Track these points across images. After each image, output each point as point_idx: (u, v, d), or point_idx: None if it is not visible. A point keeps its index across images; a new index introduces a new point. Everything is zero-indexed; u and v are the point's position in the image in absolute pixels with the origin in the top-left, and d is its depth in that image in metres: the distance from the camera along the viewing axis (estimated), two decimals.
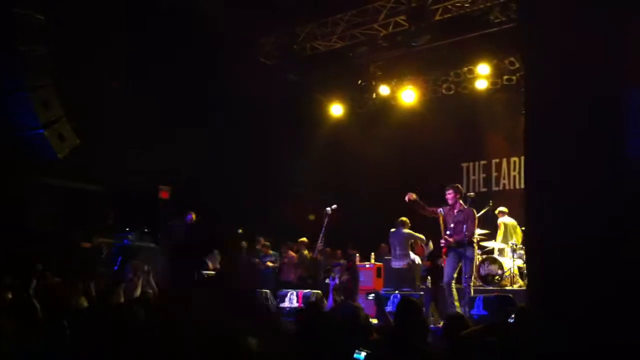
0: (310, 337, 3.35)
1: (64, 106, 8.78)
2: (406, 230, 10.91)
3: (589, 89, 2.86)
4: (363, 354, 3.39)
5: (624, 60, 2.77)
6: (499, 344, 3.62)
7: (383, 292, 10.61)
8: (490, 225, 11.44)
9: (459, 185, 9.60)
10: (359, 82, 14.23)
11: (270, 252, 13.21)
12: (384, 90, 14.06)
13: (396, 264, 10.94)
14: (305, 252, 12.63)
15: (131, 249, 11.67)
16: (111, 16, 10.57)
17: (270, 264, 12.97)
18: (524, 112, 3.21)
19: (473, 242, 9.18)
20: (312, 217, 12.44)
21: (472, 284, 9.13)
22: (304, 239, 12.74)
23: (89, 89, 10.58)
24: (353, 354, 3.17)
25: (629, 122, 2.70)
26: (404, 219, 10.94)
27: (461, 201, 9.21)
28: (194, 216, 11.53)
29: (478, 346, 3.35)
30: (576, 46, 2.92)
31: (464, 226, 8.88)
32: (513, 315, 5.57)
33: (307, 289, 11.38)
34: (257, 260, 13.02)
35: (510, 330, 4.23)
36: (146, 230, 12.67)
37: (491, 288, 10.29)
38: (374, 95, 14.37)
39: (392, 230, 11.02)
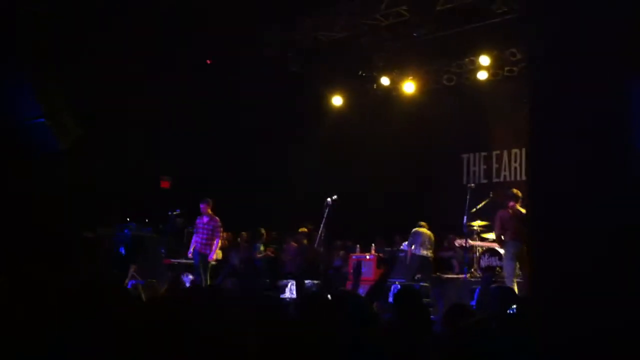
0: (313, 326, 3.38)
1: (67, 96, 8.76)
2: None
3: (595, 81, 2.86)
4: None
5: (630, 50, 2.77)
6: (499, 334, 3.64)
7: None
8: (490, 217, 11.44)
9: (513, 190, 9.73)
10: (360, 73, 14.20)
11: (262, 244, 13.18)
12: (385, 81, 14.04)
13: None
14: (305, 242, 12.65)
15: (132, 239, 11.70)
16: (113, 10, 10.53)
17: (259, 254, 12.97)
18: (526, 102, 3.21)
19: (505, 241, 9.65)
20: (309, 226, 12.46)
21: (513, 280, 9.28)
22: (304, 229, 12.74)
23: (92, 78, 10.55)
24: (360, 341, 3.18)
25: (636, 114, 2.70)
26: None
27: (512, 202, 9.53)
28: (209, 204, 11.29)
29: (478, 335, 3.37)
30: (582, 37, 2.92)
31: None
32: (514, 306, 5.61)
33: (307, 279, 11.42)
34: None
35: (510, 320, 4.25)
36: (147, 220, 12.70)
37: (492, 279, 10.31)
38: (375, 86, 14.34)
39: (418, 229, 11.10)
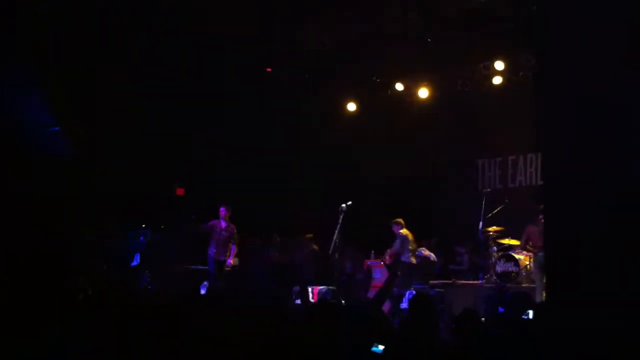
0: (325, 330, 3.36)
1: (77, 102, 8.83)
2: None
3: (604, 84, 2.83)
4: (381, 347, 3.38)
5: (632, 50, 2.73)
6: (513, 339, 3.60)
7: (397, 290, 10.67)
8: (506, 222, 11.37)
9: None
10: (374, 78, 14.17)
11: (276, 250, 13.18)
12: (398, 86, 14.00)
13: (412, 260, 10.96)
14: (315, 246, 12.62)
15: (147, 245, 11.76)
16: (119, 15, 10.59)
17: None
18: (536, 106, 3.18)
19: (535, 253, 10.22)
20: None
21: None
22: (310, 235, 12.73)
23: (102, 84, 10.63)
24: (368, 347, 3.17)
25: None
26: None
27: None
28: (229, 210, 11.29)
29: (491, 341, 3.33)
30: (591, 42, 2.88)
31: None
32: (529, 312, 5.55)
33: (321, 284, 11.39)
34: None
35: (525, 326, 4.20)
36: (162, 226, 12.75)
37: (508, 285, 10.25)
38: (389, 92, 14.32)
39: (405, 233, 11.03)
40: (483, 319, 5.70)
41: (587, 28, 2.83)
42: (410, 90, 14.04)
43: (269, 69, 13.61)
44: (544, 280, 9.30)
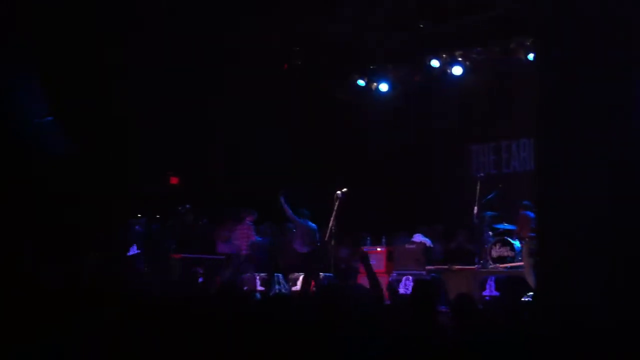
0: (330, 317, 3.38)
1: (72, 95, 8.80)
2: None
3: (602, 74, 2.85)
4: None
5: (636, 45, 2.76)
6: (510, 323, 3.65)
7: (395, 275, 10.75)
8: (499, 207, 11.42)
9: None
10: (370, 66, 14.15)
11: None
12: (391, 73, 14.00)
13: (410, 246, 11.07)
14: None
15: (143, 235, 11.78)
16: (116, 10, 10.54)
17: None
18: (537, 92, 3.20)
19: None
20: None
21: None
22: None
23: (99, 77, 10.58)
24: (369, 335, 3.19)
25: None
26: None
27: None
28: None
29: (488, 325, 3.38)
30: (590, 33, 2.90)
31: None
32: (526, 296, 5.62)
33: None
34: None
35: (521, 309, 4.25)
36: (157, 215, 12.76)
37: (502, 270, 10.32)
38: (382, 79, 14.31)
39: None
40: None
41: (587, 19, 2.85)
42: (403, 77, 14.04)
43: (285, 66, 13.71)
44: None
